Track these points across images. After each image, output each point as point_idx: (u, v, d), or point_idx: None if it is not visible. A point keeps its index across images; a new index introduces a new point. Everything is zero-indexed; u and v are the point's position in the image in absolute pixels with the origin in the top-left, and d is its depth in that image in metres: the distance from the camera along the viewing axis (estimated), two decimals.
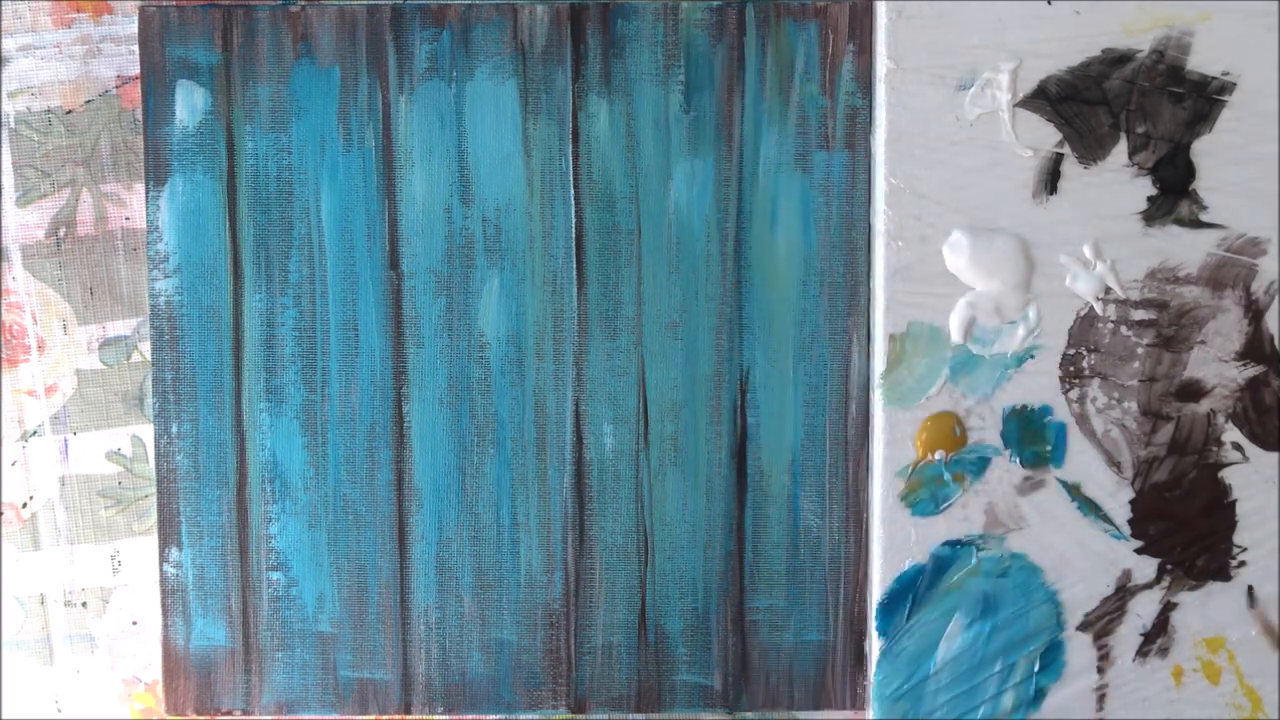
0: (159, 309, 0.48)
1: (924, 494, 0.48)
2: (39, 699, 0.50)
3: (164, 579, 0.49)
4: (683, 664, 0.49)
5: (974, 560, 0.49)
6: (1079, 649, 0.49)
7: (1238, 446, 0.49)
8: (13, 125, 0.48)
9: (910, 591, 0.49)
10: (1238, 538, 0.49)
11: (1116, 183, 0.48)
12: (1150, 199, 0.48)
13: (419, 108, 0.48)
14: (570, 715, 0.50)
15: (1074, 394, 0.48)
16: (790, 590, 0.49)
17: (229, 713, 0.49)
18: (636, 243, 0.48)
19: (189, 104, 0.48)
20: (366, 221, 0.48)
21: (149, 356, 0.49)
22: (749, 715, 0.50)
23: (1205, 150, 0.48)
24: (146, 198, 0.48)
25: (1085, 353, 0.48)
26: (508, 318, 0.48)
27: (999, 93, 0.47)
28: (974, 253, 0.48)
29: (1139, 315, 0.48)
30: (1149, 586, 0.49)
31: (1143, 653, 0.49)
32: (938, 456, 0.48)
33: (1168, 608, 0.49)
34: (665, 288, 0.48)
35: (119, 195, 0.49)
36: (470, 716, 0.50)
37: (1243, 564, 0.49)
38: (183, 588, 0.49)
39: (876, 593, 0.49)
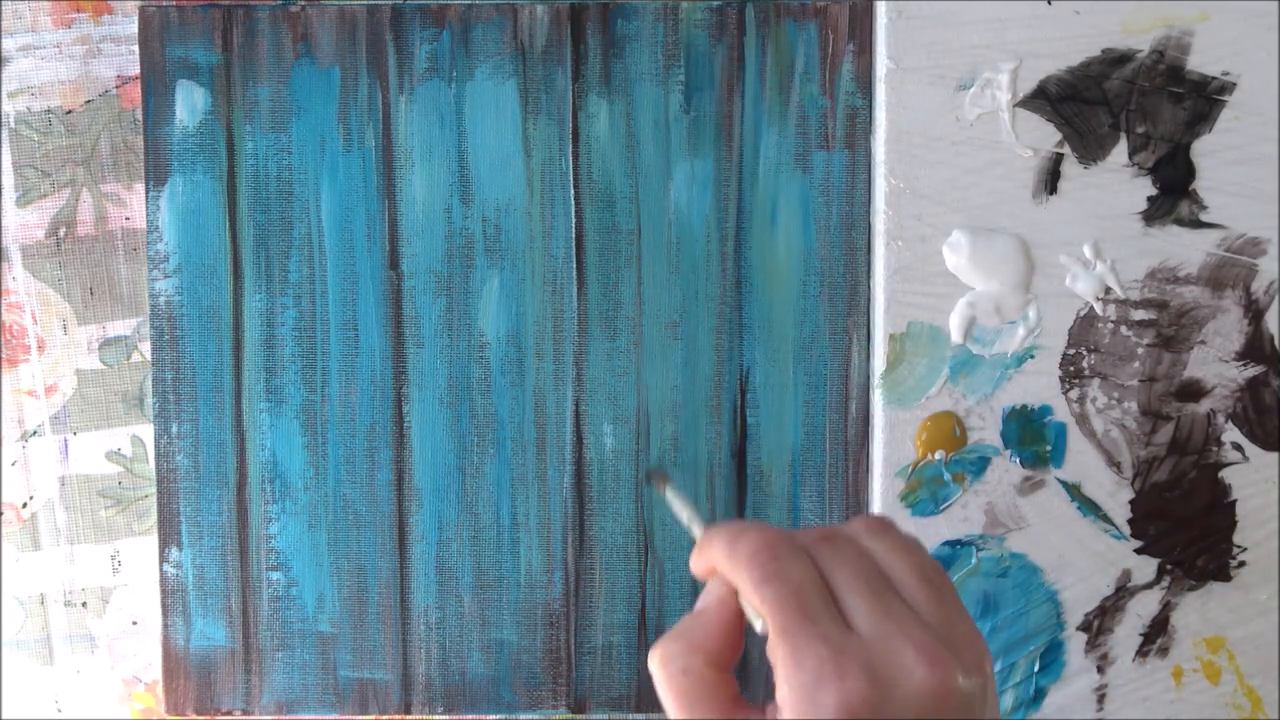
0: (159, 309, 0.48)
1: (924, 494, 0.48)
2: (39, 699, 0.50)
3: (164, 579, 0.49)
4: None
5: (974, 560, 0.49)
6: (1079, 649, 0.49)
7: (1238, 446, 0.49)
8: (13, 125, 0.48)
9: None
10: (1238, 538, 0.49)
11: (1116, 183, 0.48)
12: (1150, 199, 0.48)
13: (419, 108, 0.48)
14: (570, 715, 0.50)
15: (1074, 394, 0.48)
16: None
17: (229, 713, 0.49)
18: (636, 243, 0.48)
19: (189, 104, 0.48)
20: (366, 221, 0.48)
21: (149, 356, 0.49)
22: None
23: (1205, 150, 0.48)
24: (146, 198, 0.48)
25: (1085, 353, 0.48)
26: (508, 318, 0.48)
27: (999, 93, 0.47)
28: (974, 253, 0.47)
29: (1139, 315, 0.48)
30: (1149, 586, 0.49)
31: (1143, 653, 0.49)
32: (938, 456, 0.48)
33: (1168, 608, 0.49)
34: (665, 288, 0.48)
35: (119, 195, 0.49)
36: (470, 716, 0.50)
37: (1243, 564, 0.49)
38: (183, 588, 0.49)
39: None
